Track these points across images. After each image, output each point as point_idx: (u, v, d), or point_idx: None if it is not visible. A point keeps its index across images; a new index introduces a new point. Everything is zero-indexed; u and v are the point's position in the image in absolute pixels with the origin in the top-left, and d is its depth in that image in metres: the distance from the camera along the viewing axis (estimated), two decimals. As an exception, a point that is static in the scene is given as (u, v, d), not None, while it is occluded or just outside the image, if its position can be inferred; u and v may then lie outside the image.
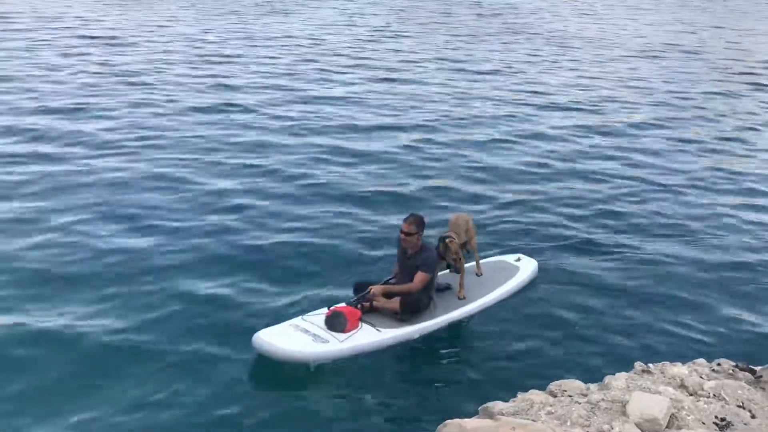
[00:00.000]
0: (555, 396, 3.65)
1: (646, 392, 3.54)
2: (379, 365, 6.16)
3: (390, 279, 6.77)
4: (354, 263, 7.86)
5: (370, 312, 6.44)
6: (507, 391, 4.06)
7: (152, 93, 14.94)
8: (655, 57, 22.84)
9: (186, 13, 27.60)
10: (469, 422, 3.18)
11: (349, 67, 18.91)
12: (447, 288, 7.11)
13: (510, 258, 7.84)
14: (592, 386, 3.75)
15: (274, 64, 18.69)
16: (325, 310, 6.33)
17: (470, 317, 6.87)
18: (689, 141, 13.58)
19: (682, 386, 3.73)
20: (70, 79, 15.75)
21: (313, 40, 23.08)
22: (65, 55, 18.28)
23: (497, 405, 3.48)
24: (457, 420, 3.22)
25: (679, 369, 3.93)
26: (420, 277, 6.44)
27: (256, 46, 21.37)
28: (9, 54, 18.11)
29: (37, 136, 11.74)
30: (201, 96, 14.98)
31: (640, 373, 3.91)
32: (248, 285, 7.32)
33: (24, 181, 9.82)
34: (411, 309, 6.45)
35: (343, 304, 6.42)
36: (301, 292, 7.13)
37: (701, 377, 3.84)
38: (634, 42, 25.68)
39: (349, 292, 6.71)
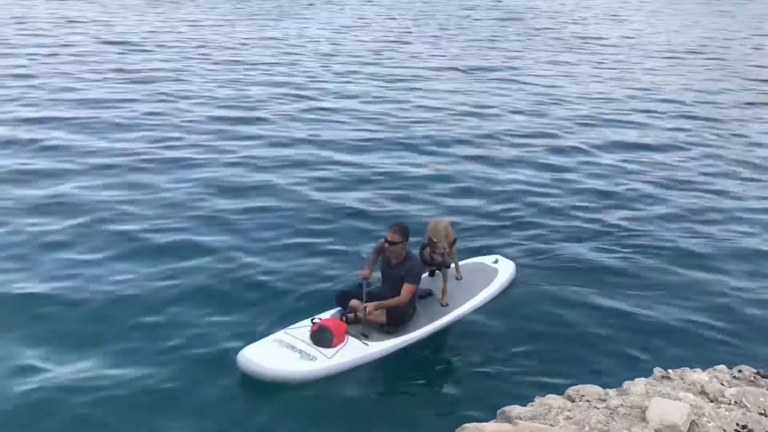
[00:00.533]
0: (573, 401, 3.63)
1: (665, 398, 3.50)
2: (386, 370, 6.14)
3: (368, 289, 6.51)
4: (335, 273, 7.74)
5: (354, 323, 6.32)
6: (520, 397, 4.05)
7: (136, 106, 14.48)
8: (675, 63, 22.60)
9: (202, 17, 27.80)
10: (488, 426, 3.17)
11: (356, 72, 18.80)
12: (429, 294, 6.98)
13: (488, 260, 7.75)
14: (611, 391, 3.73)
15: (283, 72, 18.56)
16: (308, 323, 6.20)
17: (467, 319, 6.83)
18: (711, 154, 13.36)
19: (703, 392, 3.69)
20: (82, 87, 15.61)
21: (327, 45, 23.07)
22: (82, 61, 18.30)
23: (515, 409, 3.47)
24: (474, 424, 3.20)
25: (699, 375, 3.89)
26: (407, 288, 6.35)
27: (266, 51, 21.35)
28: (23, 60, 18.13)
29: (42, 150, 11.46)
30: (202, 106, 14.75)
31: (659, 378, 3.88)
32: (228, 302, 7.09)
33: (27, 195, 9.63)
34: (398, 321, 6.42)
35: (327, 315, 6.33)
36: (284, 305, 7.00)
37: (722, 384, 3.80)
38: (653, 48, 25.47)
39: (331, 302, 6.62)
